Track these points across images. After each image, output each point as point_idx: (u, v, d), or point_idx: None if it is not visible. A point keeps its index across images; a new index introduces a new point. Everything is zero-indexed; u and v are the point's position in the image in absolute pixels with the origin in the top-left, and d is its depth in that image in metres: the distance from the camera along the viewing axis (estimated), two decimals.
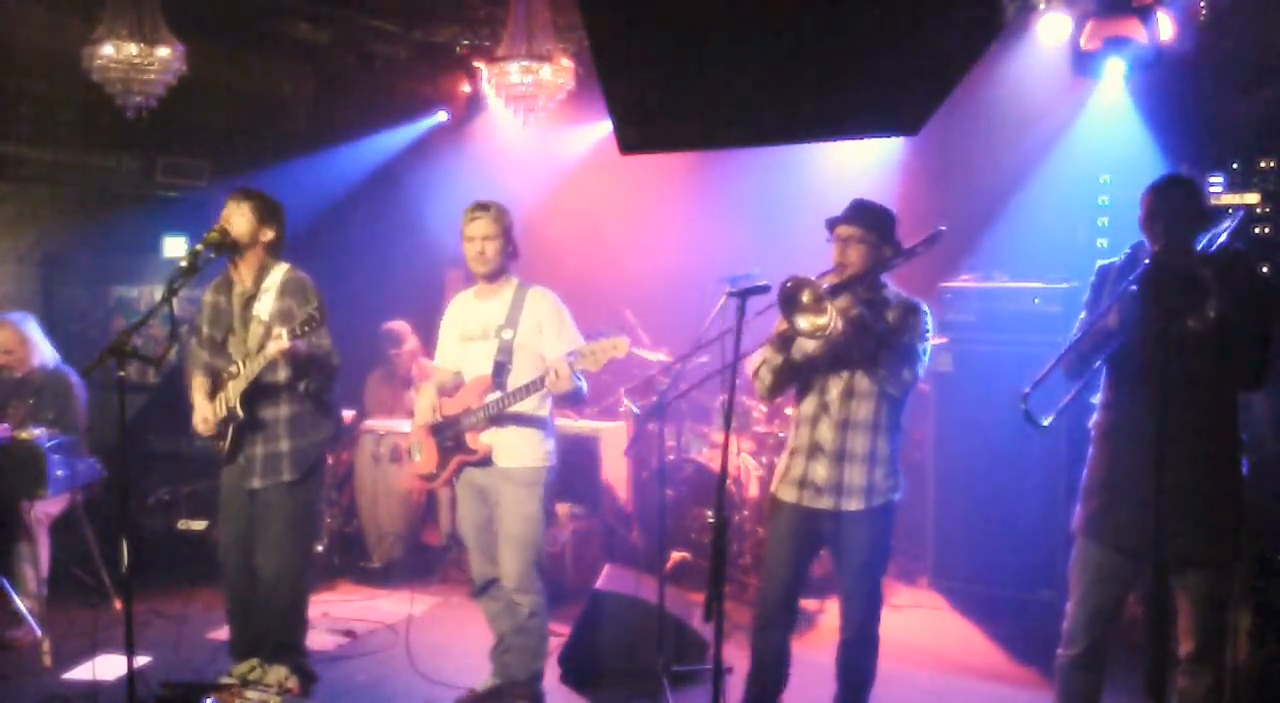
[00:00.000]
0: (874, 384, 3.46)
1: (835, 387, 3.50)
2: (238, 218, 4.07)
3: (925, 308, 3.52)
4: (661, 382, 4.93)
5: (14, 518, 4.83)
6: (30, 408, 5.03)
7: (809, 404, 3.57)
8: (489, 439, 3.97)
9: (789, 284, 3.23)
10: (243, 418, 4.04)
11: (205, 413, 4.16)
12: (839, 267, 3.47)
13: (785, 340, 3.48)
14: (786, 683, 3.68)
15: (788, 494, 3.57)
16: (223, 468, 4.24)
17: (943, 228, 3.43)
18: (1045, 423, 3.07)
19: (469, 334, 4.07)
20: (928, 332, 3.49)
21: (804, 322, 3.23)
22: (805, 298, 3.24)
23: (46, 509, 4.95)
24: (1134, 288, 3.00)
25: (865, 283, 3.45)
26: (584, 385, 3.88)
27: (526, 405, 3.94)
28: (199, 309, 4.33)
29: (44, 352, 5.18)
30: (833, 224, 3.53)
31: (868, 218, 3.48)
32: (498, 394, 3.93)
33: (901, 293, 3.57)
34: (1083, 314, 3.32)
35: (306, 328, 3.83)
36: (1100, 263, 3.37)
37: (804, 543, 3.60)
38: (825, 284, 3.31)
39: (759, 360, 3.57)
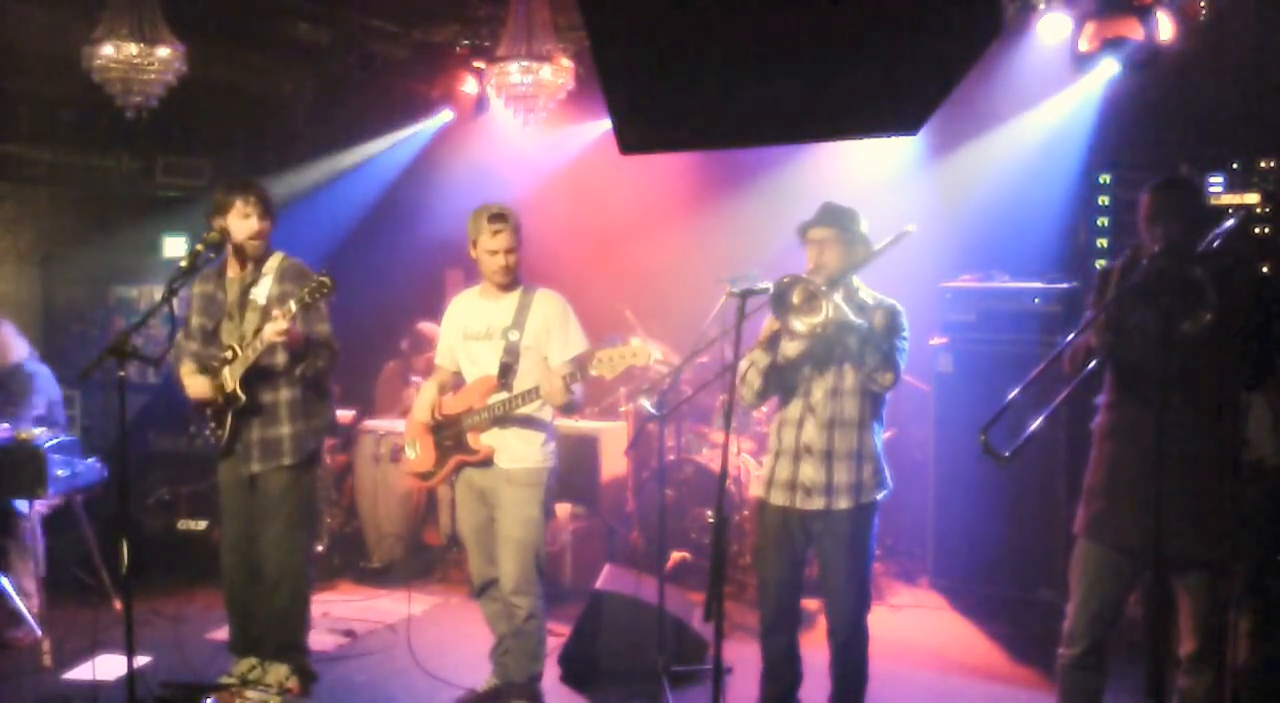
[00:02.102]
0: (858, 382, 3.50)
1: (819, 387, 3.55)
2: (245, 223, 4.04)
3: (900, 307, 3.60)
4: (662, 383, 4.92)
5: (12, 518, 4.83)
6: None
7: (793, 407, 3.60)
8: (490, 440, 3.96)
9: (785, 281, 3.28)
10: (243, 402, 4.02)
11: (199, 383, 4.11)
12: (816, 269, 3.52)
13: (774, 342, 3.51)
14: (802, 680, 3.73)
15: (778, 498, 3.60)
16: (220, 462, 4.23)
17: (909, 228, 3.48)
18: (1006, 455, 3.01)
19: (473, 333, 4.06)
20: (905, 330, 3.57)
21: (799, 323, 3.29)
22: (797, 298, 3.29)
23: (39, 508, 4.96)
24: (1132, 291, 3.00)
25: (848, 277, 3.52)
26: (578, 397, 3.86)
27: (528, 407, 3.93)
28: (188, 301, 4.30)
29: (14, 351, 5.20)
30: (805, 228, 3.60)
31: (840, 219, 3.57)
32: (503, 395, 3.92)
33: (876, 293, 3.64)
34: (1088, 314, 3.32)
35: (317, 296, 3.80)
36: (1101, 265, 3.38)
37: (798, 545, 3.63)
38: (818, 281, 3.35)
39: (745, 365, 3.59)
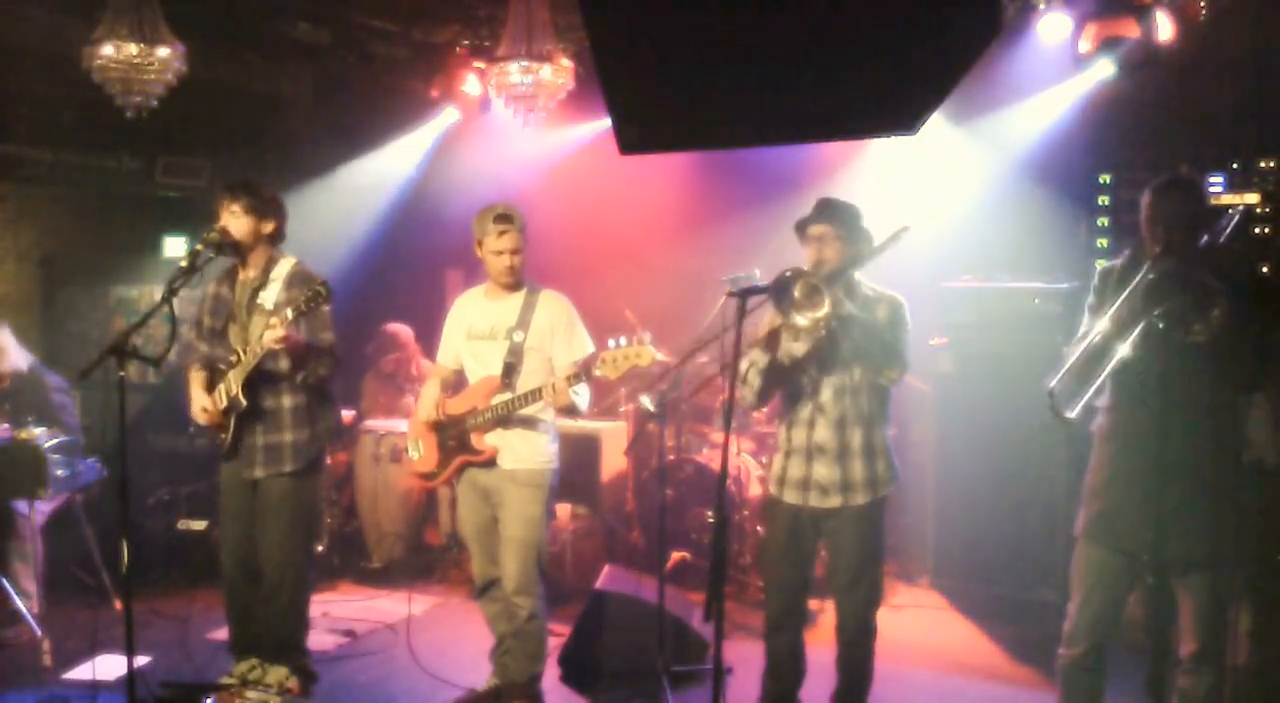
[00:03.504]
0: (865, 378, 3.50)
1: (827, 386, 3.54)
2: (233, 220, 4.05)
3: (902, 299, 3.58)
4: (662, 383, 4.92)
5: (11, 518, 4.83)
6: (8, 413, 5.02)
7: (802, 407, 3.59)
8: (494, 440, 3.96)
9: (788, 274, 3.26)
10: (245, 406, 4.02)
11: (204, 403, 4.13)
12: (817, 265, 3.50)
13: (774, 340, 3.50)
14: (804, 679, 3.73)
15: (790, 497, 3.59)
16: (221, 464, 4.23)
17: (907, 226, 3.46)
18: (1071, 416, 3.04)
19: (477, 332, 4.05)
20: (908, 322, 3.57)
21: (802, 317, 3.27)
22: (798, 292, 3.27)
23: (40, 508, 4.95)
24: (1137, 292, 3.00)
25: (849, 273, 3.51)
26: (582, 401, 3.85)
27: (532, 408, 3.92)
28: (200, 301, 4.31)
29: (15, 357, 5.19)
30: (803, 225, 3.59)
31: (838, 215, 3.56)
32: (507, 395, 3.92)
33: (877, 287, 3.63)
34: (1086, 317, 3.32)
35: (312, 304, 3.79)
36: (1101, 265, 3.38)
37: (807, 544, 3.63)
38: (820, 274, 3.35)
39: (745, 365, 3.58)
